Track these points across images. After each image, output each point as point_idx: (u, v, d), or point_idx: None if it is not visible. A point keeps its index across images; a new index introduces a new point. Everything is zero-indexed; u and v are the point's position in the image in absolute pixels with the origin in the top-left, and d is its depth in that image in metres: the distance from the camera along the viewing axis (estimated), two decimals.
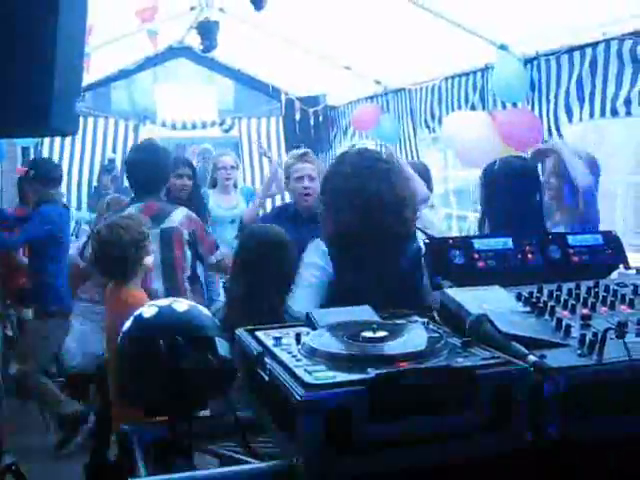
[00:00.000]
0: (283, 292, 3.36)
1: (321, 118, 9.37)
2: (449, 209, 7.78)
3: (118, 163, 10.63)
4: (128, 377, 2.11)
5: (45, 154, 10.02)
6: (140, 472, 1.81)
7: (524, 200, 3.51)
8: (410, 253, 3.18)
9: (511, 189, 3.50)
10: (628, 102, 4.45)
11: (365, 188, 3.20)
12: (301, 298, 3.22)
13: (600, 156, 5.25)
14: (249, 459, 1.87)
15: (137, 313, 2.19)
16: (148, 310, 2.18)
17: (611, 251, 2.52)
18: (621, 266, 2.51)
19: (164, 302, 2.22)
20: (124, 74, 10.02)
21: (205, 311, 2.24)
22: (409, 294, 2.89)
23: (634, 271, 2.47)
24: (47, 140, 9.94)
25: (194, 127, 11.07)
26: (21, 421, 6.13)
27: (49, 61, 2.36)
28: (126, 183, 10.42)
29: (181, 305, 2.19)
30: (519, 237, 2.52)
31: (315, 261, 3.30)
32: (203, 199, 6.21)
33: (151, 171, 4.88)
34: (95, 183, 10.46)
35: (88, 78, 6.45)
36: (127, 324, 2.18)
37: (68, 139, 10.09)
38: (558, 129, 5.28)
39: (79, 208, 10.46)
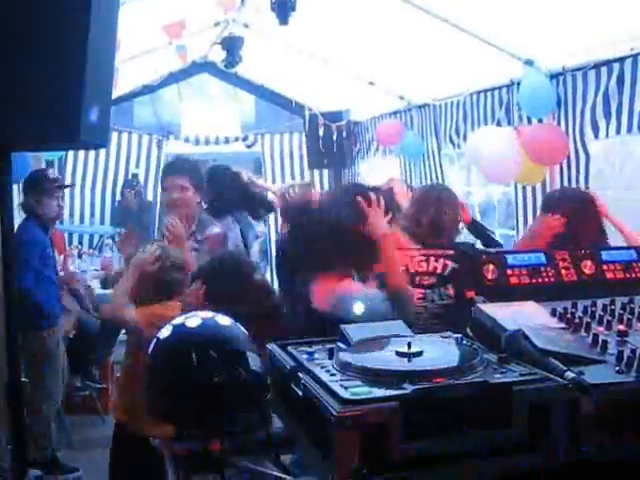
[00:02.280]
0: None
1: (344, 133, 9.35)
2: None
3: (141, 178, 10.69)
4: (159, 391, 2.10)
5: (69, 168, 10.09)
6: None
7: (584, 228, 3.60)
8: None
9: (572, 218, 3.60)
10: None
11: None
12: None
13: (626, 172, 5.22)
14: (281, 475, 1.85)
15: (158, 334, 2.19)
16: (167, 329, 2.17)
17: None
18: None
19: (182, 319, 2.21)
20: (148, 89, 10.05)
21: (229, 322, 2.23)
22: None
23: None
24: (71, 154, 9.99)
25: (217, 142, 11.09)
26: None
27: (79, 74, 2.37)
28: (149, 197, 10.55)
29: (199, 320, 2.19)
30: None
31: None
32: None
33: None
34: (118, 197, 10.49)
35: (113, 93, 6.51)
36: (153, 343, 2.18)
37: (92, 154, 10.15)
38: (584, 145, 5.24)
39: (102, 222, 10.50)
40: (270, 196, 6.74)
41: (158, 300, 3.88)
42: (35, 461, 5.55)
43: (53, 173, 6.61)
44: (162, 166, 5.41)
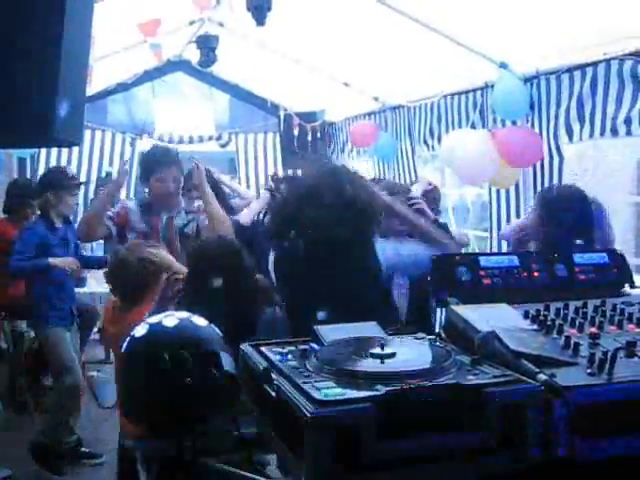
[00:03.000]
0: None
1: (319, 134, 9.38)
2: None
3: (114, 176, 10.61)
4: (131, 392, 2.09)
5: (41, 166, 9.99)
6: None
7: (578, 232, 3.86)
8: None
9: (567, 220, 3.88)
10: (628, 121, 4.45)
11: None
12: None
13: (599, 176, 5.26)
14: (253, 476, 1.85)
15: (134, 332, 2.18)
16: (143, 328, 2.16)
17: (617, 270, 2.51)
18: (627, 285, 2.50)
19: (159, 318, 2.20)
20: (122, 87, 10.00)
21: (203, 323, 2.22)
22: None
23: None
24: (43, 152, 9.91)
25: (191, 141, 11.05)
26: (16, 434, 6.09)
27: (52, 70, 2.35)
28: (122, 197, 10.48)
29: (176, 320, 2.18)
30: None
31: None
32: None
33: None
34: (92, 196, 10.41)
35: (87, 90, 6.48)
36: (127, 342, 2.16)
37: (65, 151, 10.07)
38: (558, 148, 5.28)
39: (75, 220, 10.42)
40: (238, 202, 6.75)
41: (132, 298, 3.92)
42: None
43: (71, 170, 6.61)
44: (143, 159, 5.29)
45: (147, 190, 5.20)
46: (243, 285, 3.55)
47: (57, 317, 5.84)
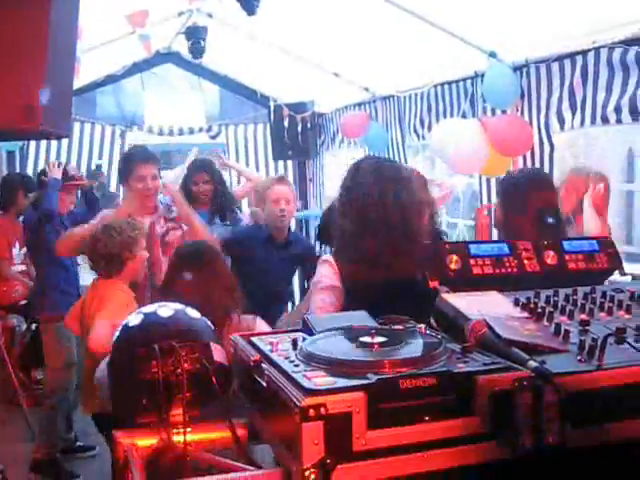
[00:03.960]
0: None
1: (309, 125, 9.35)
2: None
3: (105, 169, 10.60)
4: (120, 385, 2.08)
5: (30, 159, 9.96)
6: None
7: (545, 211, 3.70)
8: None
9: (532, 199, 3.72)
10: (618, 109, 4.46)
11: (386, 196, 3.29)
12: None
13: (590, 163, 5.27)
14: (246, 466, 1.85)
15: (127, 320, 2.18)
16: (136, 318, 2.16)
17: (607, 257, 2.52)
18: (617, 272, 2.51)
19: (151, 308, 2.20)
20: (111, 79, 9.97)
21: (197, 315, 2.22)
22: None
23: (629, 277, 2.47)
24: (32, 145, 9.88)
25: (181, 133, 11.04)
26: (7, 429, 6.08)
27: (40, 63, 2.34)
28: (112, 189, 10.47)
29: (168, 310, 2.17)
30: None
31: (328, 283, 3.33)
32: (227, 200, 6.18)
33: None
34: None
35: (75, 83, 6.45)
36: (117, 333, 2.16)
37: (54, 144, 10.04)
38: (549, 136, 5.28)
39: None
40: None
41: (106, 273, 4.18)
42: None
43: (72, 169, 6.59)
44: (122, 160, 5.36)
45: (126, 191, 5.21)
46: (216, 287, 3.61)
47: (67, 302, 5.81)
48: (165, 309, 2.18)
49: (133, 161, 5.05)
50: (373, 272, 3.22)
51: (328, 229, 3.83)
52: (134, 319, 2.16)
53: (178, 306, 2.22)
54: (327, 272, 3.34)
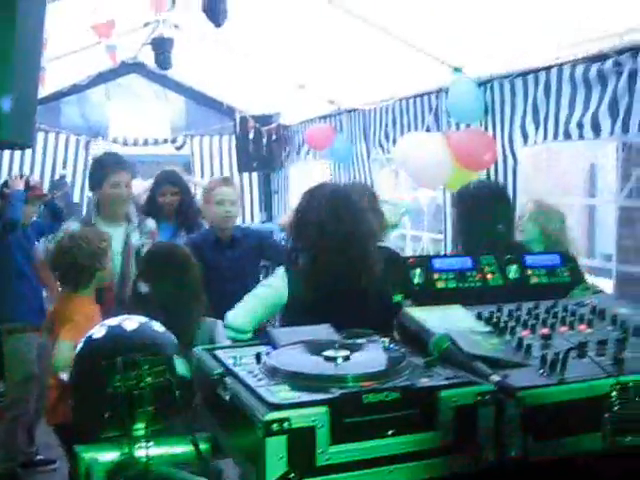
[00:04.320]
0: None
1: (274, 137, 9.37)
2: (402, 229, 7.79)
3: (68, 179, 10.52)
4: (82, 398, 2.06)
5: None
6: None
7: (498, 219, 3.79)
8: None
9: (488, 209, 3.79)
10: (581, 125, 4.51)
11: (341, 225, 3.34)
12: (242, 308, 3.47)
13: (552, 178, 5.33)
14: None
15: (90, 333, 2.15)
16: (100, 330, 2.14)
17: (569, 271, 2.54)
18: (578, 286, 2.53)
19: (115, 321, 2.18)
20: (76, 89, 9.91)
21: (160, 328, 2.20)
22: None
23: (591, 292, 2.49)
24: None
25: (146, 144, 10.99)
26: None
27: (5, 72, 2.32)
28: (76, 199, 10.39)
29: (133, 323, 2.16)
30: (492, 253, 2.55)
31: (274, 284, 3.45)
32: (193, 212, 6.15)
33: None
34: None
35: (40, 92, 6.41)
36: (80, 345, 2.14)
37: (17, 154, 9.94)
38: (513, 151, 5.33)
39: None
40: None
41: (74, 285, 4.03)
42: None
43: (33, 180, 6.51)
44: (95, 165, 5.29)
45: (97, 198, 5.05)
46: (187, 290, 3.60)
47: (28, 314, 5.74)
48: (130, 322, 2.17)
49: (107, 167, 4.96)
50: (324, 289, 3.29)
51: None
52: (98, 332, 2.14)
53: (142, 319, 2.21)
54: (277, 277, 3.48)
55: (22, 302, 5.78)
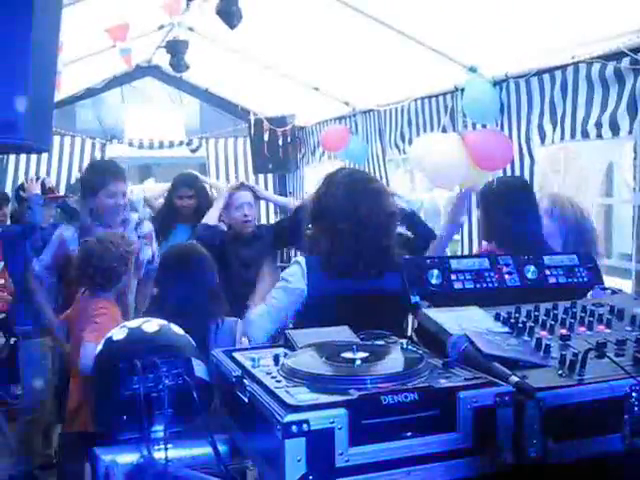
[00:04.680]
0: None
1: (289, 138, 9.36)
2: None
3: None
4: (101, 399, 2.07)
5: (10, 172, 9.90)
6: None
7: (524, 215, 3.85)
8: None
9: (511, 204, 3.88)
10: (599, 125, 4.48)
11: (358, 208, 3.35)
12: (259, 322, 3.42)
13: (570, 178, 5.30)
14: None
15: (110, 334, 2.17)
16: (120, 332, 2.15)
17: (587, 271, 2.53)
18: (597, 286, 2.52)
19: (139, 322, 2.19)
20: (91, 93, 9.95)
21: (179, 330, 2.21)
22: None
23: (609, 292, 2.48)
24: (12, 158, 9.82)
25: (161, 147, 11.01)
26: None
27: (22, 75, 2.32)
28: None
29: (153, 325, 2.17)
30: (519, 252, 2.55)
31: (292, 280, 3.41)
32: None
33: None
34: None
35: (56, 96, 6.45)
36: (100, 346, 2.15)
37: (33, 158, 9.98)
38: (530, 150, 5.31)
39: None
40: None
41: (100, 287, 4.05)
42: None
43: (50, 182, 6.56)
44: (91, 171, 5.20)
45: (92, 206, 4.91)
46: (203, 291, 3.62)
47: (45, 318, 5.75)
48: (150, 324, 2.18)
49: (105, 176, 4.88)
50: (343, 284, 3.31)
51: (297, 229, 3.91)
52: (118, 333, 2.15)
53: (162, 322, 2.22)
54: (295, 272, 3.42)
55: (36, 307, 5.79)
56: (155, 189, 7.36)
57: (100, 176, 4.92)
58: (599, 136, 4.52)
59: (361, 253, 3.34)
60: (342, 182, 3.48)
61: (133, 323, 2.22)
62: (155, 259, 5.00)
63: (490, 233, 3.97)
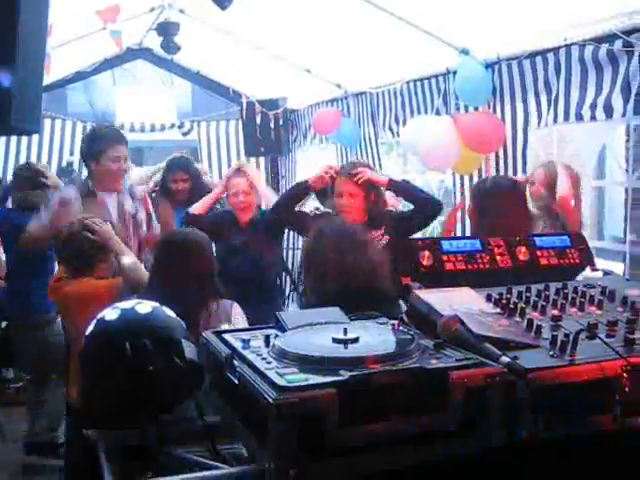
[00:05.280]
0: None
1: (281, 121, 9.32)
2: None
3: (76, 166, 10.51)
4: (92, 381, 2.06)
5: (0, 155, 9.85)
6: (106, 479, 1.76)
7: (512, 213, 3.96)
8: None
9: (501, 205, 3.99)
10: (593, 107, 4.47)
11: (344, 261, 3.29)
12: None
13: (562, 160, 5.29)
14: (218, 464, 1.83)
15: (101, 315, 2.16)
16: (112, 312, 2.14)
17: (578, 253, 2.53)
18: (588, 268, 2.52)
19: (128, 304, 2.18)
20: (82, 76, 9.88)
21: (170, 313, 2.20)
22: None
23: (600, 273, 2.48)
24: (2, 141, 9.76)
25: (152, 130, 10.96)
26: None
27: (10, 57, 2.31)
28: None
29: (146, 307, 2.16)
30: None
31: None
32: (201, 195, 6.23)
33: None
34: None
35: (46, 79, 6.40)
36: (91, 327, 2.14)
37: (24, 140, 9.93)
38: (525, 132, 5.29)
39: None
40: None
41: (79, 268, 4.06)
42: None
43: (44, 167, 6.52)
44: (93, 136, 5.24)
45: (91, 170, 4.98)
46: (193, 275, 3.61)
47: (37, 304, 5.69)
48: (142, 306, 2.17)
49: (106, 140, 4.90)
50: None
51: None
52: (111, 314, 2.14)
53: (155, 304, 2.21)
54: None
55: (29, 293, 5.74)
56: (142, 177, 7.31)
57: (102, 140, 4.93)
58: (593, 118, 4.50)
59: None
60: (331, 235, 3.45)
61: (126, 304, 2.21)
62: (153, 219, 5.19)
63: (480, 229, 4.02)
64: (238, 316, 3.65)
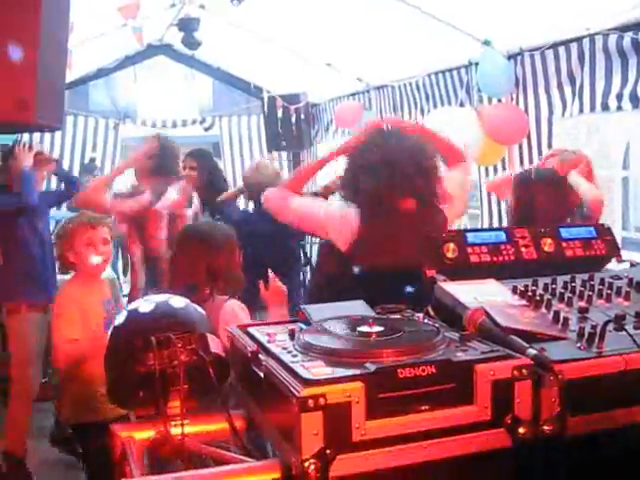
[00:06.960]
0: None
1: (303, 115, 9.32)
2: None
3: (98, 162, 10.56)
4: (118, 375, 2.07)
5: None
6: (133, 472, 1.77)
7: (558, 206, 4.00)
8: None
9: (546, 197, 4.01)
10: (620, 97, 4.43)
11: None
12: None
13: (589, 151, 5.26)
14: (244, 458, 1.83)
15: (130, 308, 2.16)
16: (141, 306, 2.14)
17: (604, 244, 2.51)
18: (614, 258, 2.50)
19: (156, 298, 2.19)
20: (104, 72, 9.93)
21: (196, 307, 2.20)
22: None
23: (627, 264, 2.45)
24: (26, 137, 9.82)
25: (174, 126, 10.99)
26: None
27: (33, 56, 2.32)
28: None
29: (182, 302, 2.16)
30: None
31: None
32: (215, 193, 6.28)
33: None
34: None
35: (68, 76, 6.40)
36: (118, 320, 2.15)
37: (47, 137, 9.99)
38: (550, 123, 5.26)
39: (59, 207, 10.35)
40: None
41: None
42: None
43: (37, 145, 6.49)
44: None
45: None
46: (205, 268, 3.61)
47: (33, 292, 5.68)
48: (176, 300, 2.17)
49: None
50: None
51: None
52: (145, 306, 2.13)
53: (161, 297, 2.20)
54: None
55: (28, 281, 5.69)
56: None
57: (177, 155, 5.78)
58: (619, 108, 4.47)
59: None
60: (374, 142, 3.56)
61: (159, 297, 2.21)
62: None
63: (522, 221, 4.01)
64: (228, 315, 3.48)
